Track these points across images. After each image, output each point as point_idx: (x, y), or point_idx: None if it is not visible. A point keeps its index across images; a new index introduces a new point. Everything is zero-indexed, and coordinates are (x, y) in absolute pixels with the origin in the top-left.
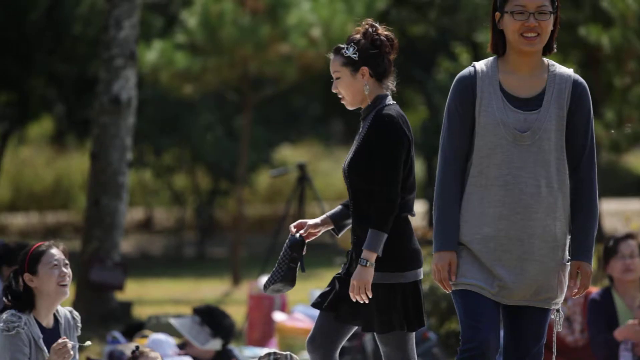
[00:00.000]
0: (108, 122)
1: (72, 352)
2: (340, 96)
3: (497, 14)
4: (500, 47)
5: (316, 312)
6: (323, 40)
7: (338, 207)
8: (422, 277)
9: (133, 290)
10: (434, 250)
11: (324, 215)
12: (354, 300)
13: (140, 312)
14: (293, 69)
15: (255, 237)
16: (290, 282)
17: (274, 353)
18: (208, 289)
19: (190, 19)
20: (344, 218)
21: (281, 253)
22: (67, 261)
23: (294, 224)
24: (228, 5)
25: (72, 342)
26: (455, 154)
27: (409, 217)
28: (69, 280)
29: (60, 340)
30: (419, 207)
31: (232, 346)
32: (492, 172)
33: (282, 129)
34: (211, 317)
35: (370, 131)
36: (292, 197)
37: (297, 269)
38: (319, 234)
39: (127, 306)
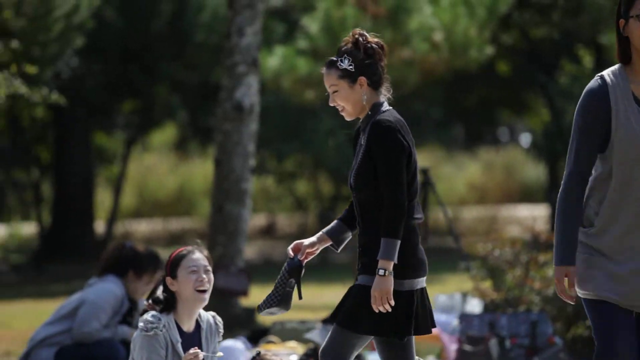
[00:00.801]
0: (231, 129)
1: None
2: (339, 108)
3: (622, 20)
4: (627, 54)
5: (440, 316)
6: (445, 44)
7: (334, 223)
8: (420, 286)
9: (257, 296)
10: (554, 263)
11: (321, 233)
12: (377, 311)
13: (265, 318)
14: (414, 74)
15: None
16: (286, 305)
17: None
18: (331, 295)
19: (312, 24)
20: (341, 232)
21: (279, 276)
22: (208, 267)
23: (291, 246)
24: (350, 10)
25: (203, 353)
26: (582, 172)
27: (415, 223)
28: (208, 286)
29: (191, 350)
30: (542, 210)
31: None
32: (635, 186)
33: None
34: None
35: (369, 140)
36: None
37: (294, 292)
38: (317, 252)
39: (251, 312)
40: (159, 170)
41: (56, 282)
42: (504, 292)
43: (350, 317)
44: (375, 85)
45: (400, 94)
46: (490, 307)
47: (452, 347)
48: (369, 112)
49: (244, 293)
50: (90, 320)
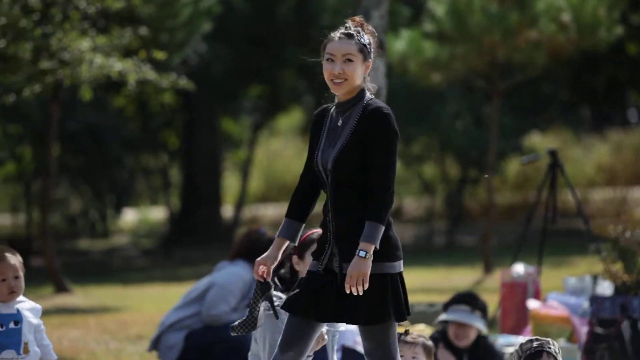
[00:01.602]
0: None
1: (326, 338)
2: (339, 80)
3: None
4: None
5: (570, 298)
6: (573, 25)
7: (285, 223)
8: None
9: None
10: None
11: (276, 240)
12: (348, 292)
13: None
14: (542, 55)
15: (505, 225)
16: (256, 325)
17: (536, 339)
18: (459, 278)
19: (438, 7)
20: (295, 229)
21: (252, 298)
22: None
23: (258, 271)
24: None
25: (327, 328)
26: None
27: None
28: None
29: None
30: None
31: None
32: None
33: (531, 116)
34: (477, 301)
35: (364, 124)
36: (543, 184)
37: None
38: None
39: None
40: (285, 154)
41: (185, 266)
42: (635, 274)
43: (376, 312)
44: (368, 72)
45: (527, 76)
46: (621, 290)
47: (583, 330)
48: (355, 96)
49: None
50: (219, 303)
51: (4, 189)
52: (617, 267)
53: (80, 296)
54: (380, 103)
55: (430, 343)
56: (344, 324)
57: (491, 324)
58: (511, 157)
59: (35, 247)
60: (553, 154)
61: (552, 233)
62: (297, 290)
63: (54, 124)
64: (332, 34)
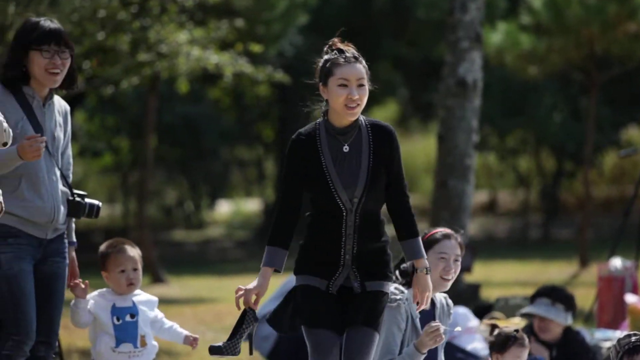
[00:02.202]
0: (454, 105)
1: (443, 336)
2: (354, 105)
3: None
4: None
5: None
6: None
7: (279, 253)
8: None
9: (480, 272)
10: None
11: (264, 271)
12: (419, 310)
13: (488, 294)
14: None
15: (602, 219)
16: (237, 352)
17: (634, 333)
18: (555, 271)
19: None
20: (281, 258)
21: (238, 325)
22: (459, 257)
23: (251, 300)
24: None
25: (444, 327)
26: None
27: None
28: (453, 275)
29: (433, 323)
30: None
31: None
32: None
33: (629, 109)
34: (559, 294)
35: (381, 146)
36: None
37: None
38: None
39: (475, 288)
40: None
41: None
42: None
43: (375, 321)
44: None
45: (625, 68)
46: None
47: None
48: (356, 119)
49: (468, 269)
50: None
51: (102, 180)
52: None
53: (176, 287)
54: (378, 120)
55: (525, 340)
56: (460, 326)
57: (588, 318)
58: (608, 151)
59: (131, 238)
60: None
61: None
62: (282, 307)
63: (151, 116)
64: (333, 57)
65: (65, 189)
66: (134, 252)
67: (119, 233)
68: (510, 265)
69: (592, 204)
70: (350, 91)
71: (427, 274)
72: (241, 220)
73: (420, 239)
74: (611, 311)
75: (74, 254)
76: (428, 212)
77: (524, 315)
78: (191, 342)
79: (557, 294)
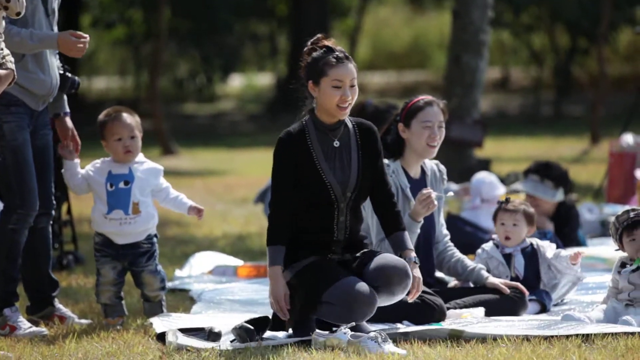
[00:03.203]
0: None
1: (435, 203)
2: (346, 105)
3: None
4: None
5: None
6: None
7: (275, 250)
8: None
9: (491, 147)
10: None
11: (276, 271)
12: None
13: (499, 169)
14: None
15: (614, 96)
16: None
17: (633, 209)
18: (565, 147)
19: None
20: (283, 254)
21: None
22: (442, 123)
23: (284, 308)
24: None
25: (435, 193)
26: None
27: None
28: (438, 141)
29: (424, 190)
30: None
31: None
32: None
33: None
34: (549, 171)
35: (367, 142)
36: None
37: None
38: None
39: (485, 163)
40: (393, 22)
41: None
42: None
43: None
44: None
45: None
46: None
47: None
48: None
49: (479, 144)
50: None
51: (114, 52)
52: None
53: (186, 159)
54: (361, 119)
55: (531, 210)
56: (452, 192)
57: (597, 193)
58: (623, 27)
59: (143, 109)
60: None
61: None
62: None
63: None
64: (324, 56)
65: (58, 63)
66: (131, 119)
67: (131, 105)
68: (521, 141)
69: (606, 81)
70: (344, 92)
71: (416, 263)
72: (253, 94)
73: (407, 232)
74: (621, 187)
75: (71, 122)
76: (441, 88)
77: (514, 192)
78: (196, 212)
79: (546, 171)
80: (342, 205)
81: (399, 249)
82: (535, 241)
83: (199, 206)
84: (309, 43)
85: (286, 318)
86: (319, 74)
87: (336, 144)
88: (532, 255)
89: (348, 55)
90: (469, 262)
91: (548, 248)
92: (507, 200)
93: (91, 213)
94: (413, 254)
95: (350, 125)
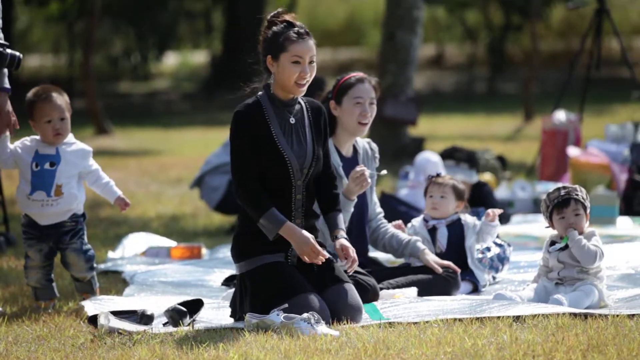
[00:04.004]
0: None
1: (369, 181)
2: (304, 82)
3: None
4: None
5: (610, 146)
6: None
7: (274, 211)
8: None
9: (425, 125)
10: None
11: (291, 226)
12: (351, 270)
13: (433, 148)
14: None
15: (548, 73)
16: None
17: (564, 187)
18: (499, 125)
19: None
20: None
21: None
22: (374, 100)
23: (323, 257)
24: None
25: (369, 171)
26: None
27: None
28: (370, 119)
29: (357, 168)
30: None
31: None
32: None
33: None
34: (461, 154)
35: (317, 120)
36: (588, 31)
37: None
38: None
39: (419, 141)
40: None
41: (226, 110)
42: None
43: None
44: None
45: None
46: None
47: (622, 177)
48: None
49: (413, 122)
50: None
51: (47, 30)
52: None
53: (121, 138)
54: (311, 98)
55: (462, 187)
56: (385, 170)
57: (530, 171)
58: (556, 3)
59: (76, 88)
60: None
61: (596, 81)
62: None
63: None
64: (285, 31)
65: None
66: (61, 100)
67: (64, 83)
68: (455, 118)
69: (539, 57)
70: (303, 69)
71: (346, 239)
72: (188, 73)
73: (342, 213)
74: (554, 164)
75: (8, 101)
76: (375, 66)
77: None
78: (123, 204)
79: (459, 154)
80: (299, 183)
81: (334, 228)
82: (464, 216)
83: (126, 199)
84: (269, 16)
85: (325, 257)
86: (279, 49)
87: (292, 120)
88: (457, 230)
89: (308, 31)
90: (403, 235)
91: (473, 220)
92: (438, 175)
93: (16, 193)
94: (343, 233)
95: (302, 102)
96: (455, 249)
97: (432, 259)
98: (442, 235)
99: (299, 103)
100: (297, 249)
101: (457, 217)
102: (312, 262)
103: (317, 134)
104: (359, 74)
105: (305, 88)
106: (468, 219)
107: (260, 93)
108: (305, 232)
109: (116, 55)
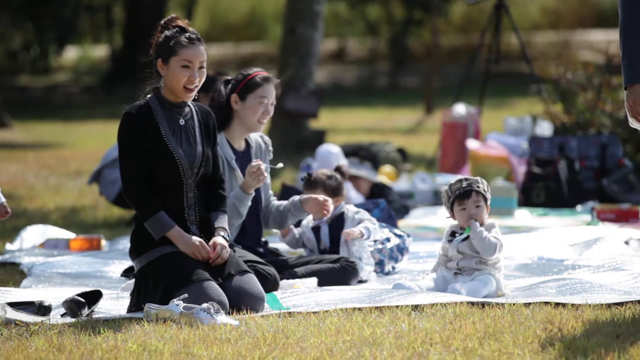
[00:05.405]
0: None
1: (266, 174)
2: (193, 86)
3: None
4: None
5: (509, 139)
6: None
7: (162, 217)
8: None
9: (327, 119)
10: (625, 84)
11: (178, 230)
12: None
13: (334, 140)
14: None
15: (449, 67)
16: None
17: (465, 178)
18: (400, 118)
19: None
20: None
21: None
22: (274, 100)
23: (205, 252)
24: None
25: (265, 164)
26: None
27: None
28: (267, 118)
29: (254, 162)
30: (617, 35)
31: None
32: None
33: None
34: (365, 151)
35: (207, 123)
36: (487, 26)
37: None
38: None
39: (320, 134)
40: None
41: (126, 104)
42: (574, 115)
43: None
44: None
45: None
46: (560, 130)
47: (521, 169)
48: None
49: (314, 115)
50: None
51: None
52: (557, 108)
53: (20, 132)
54: (200, 103)
55: (333, 182)
56: (281, 163)
57: (430, 163)
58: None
59: None
60: None
61: (495, 75)
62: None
63: None
64: (176, 35)
65: None
66: None
67: None
68: (356, 112)
69: (440, 52)
70: (192, 73)
71: (225, 238)
72: (88, 66)
73: (226, 214)
74: (454, 156)
75: None
76: (276, 60)
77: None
78: (2, 213)
79: (363, 153)
80: (190, 181)
81: (215, 225)
82: (347, 209)
83: (8, 208)
84: (162, 21)
85: (216, 256)
86: (169, 52)
87: (181, 122)
88: (340, 224)
89: (200, 37)
90: (285, 202)
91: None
92: (309, 175)
93: None
94: (223, 232)
95: (192, 106)
96: (336, 241)
97: (310, 195)
98: (324, 234)
99: (189, 106)
100: (185, 251)
101: (339, 211)
102: (208, 260)
103: (206, 136)
104: (264, 73)
105: (193, 94)
106: (350, 211)
107: (149, 96)
108: (192, 238)
109: (15, 49)
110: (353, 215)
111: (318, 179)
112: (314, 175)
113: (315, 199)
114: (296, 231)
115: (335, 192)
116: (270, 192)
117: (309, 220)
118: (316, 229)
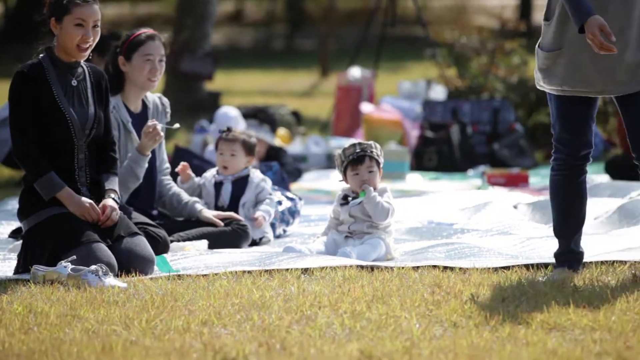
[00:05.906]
0: None
1: (162, 134)
2: (87, 46)
3: None
4: None
5: (403, 102)
6: None
7: (52, 178)
8: None
9: (222, 81)
10: (577, 24)
11: (69, 191)
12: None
13: (229, 103)
14: None
15: (345, 30)
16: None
17: (359, 143)
18: (296, 81)
19: None
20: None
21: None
22: (163, 57)
23: (95, 214)
24: None
25: (161, 125)
26: None
27: None
28: (159, 76)
29: (149, 123)
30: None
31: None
32: None
33: None
34: (264, 114)
35: (99, 85)
36: None
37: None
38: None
39: (215, 96)
40: None
41: (19, 63)
42: (468, 79)
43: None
44: None
45: None
46: (454, 94)
47: (414, 133)
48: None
49: (209, 77)
50: None
51: None
52: (451, 72)
53: None
54: (92, 64)
55: (253, 141)
56: (178, 123)
57: (324, 126)
58: None
59: None
60: None
61: (390, 38)
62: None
63: None
64: None
65: None
66: None
67: None
68: (252, 74)
69: (336, 14)
70: (86, 32)
71: (114, 199)
72: None
73: (117, 177)
74: (347, 120)
75: None
76: (172, 20)
77: None
78: None
79: (262, 115)
80: (81, 143)
81: (105, 187)
82: (253, 173)
83: None
84: None
85: (106, 218)
86: (63, 11)
87: (74, 82)
88: (243, 186)
89: None
90: (185, 196)
91: (260, 178)
92: (229, 129)
93: None
94: (113, 194)
95: (84, 67)
96: (238, 204)
97: (211, 214)
98: (226, 191)
99: (82, 67)
100: (75, 213)
101: (246, 172)
102: (97, 222)
103: (98, 98)
104: (149, 31)
105: (87, 53)
106: (256, 177)
107: (42, 55)
108: (81, 199)
109: None
110: (258, 182)
111: (238, 134)
112: (233, 132)
113: (145, 128)
114: (197, 180)
115: (251, 151)
116: (164, 155)
117: (212, 174)
118: (218, 185)
